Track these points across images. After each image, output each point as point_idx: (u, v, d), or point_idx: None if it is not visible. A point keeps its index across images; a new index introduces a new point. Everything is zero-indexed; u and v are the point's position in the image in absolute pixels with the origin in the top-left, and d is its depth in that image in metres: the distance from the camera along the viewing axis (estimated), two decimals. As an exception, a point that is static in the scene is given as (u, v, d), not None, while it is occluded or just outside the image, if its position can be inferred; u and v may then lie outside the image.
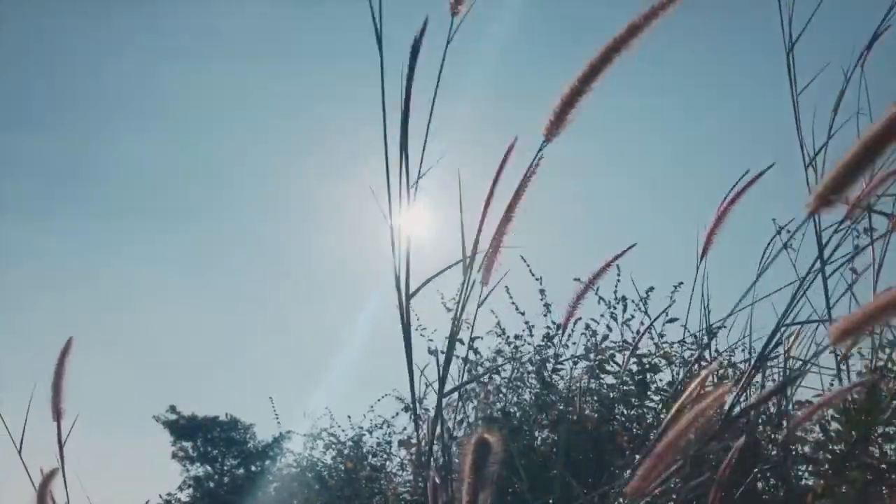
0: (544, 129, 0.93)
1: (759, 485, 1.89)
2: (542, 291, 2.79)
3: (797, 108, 1.73)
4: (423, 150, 1.03)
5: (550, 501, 2.07)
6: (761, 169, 1.73)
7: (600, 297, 2.62)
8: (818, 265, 1.66)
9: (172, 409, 17.15)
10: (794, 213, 2.07)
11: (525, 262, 2.77)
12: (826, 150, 1.68)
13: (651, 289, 2.53)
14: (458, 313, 1.06)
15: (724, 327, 2.31)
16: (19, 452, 1.38)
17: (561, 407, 2.37)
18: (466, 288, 1.05)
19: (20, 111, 19.98)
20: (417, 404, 3.17)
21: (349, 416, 4.39)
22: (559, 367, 2.58)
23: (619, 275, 2.63)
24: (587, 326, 2.68)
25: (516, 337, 2.87)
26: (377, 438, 4.08)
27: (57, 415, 1.37)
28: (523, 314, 2.83)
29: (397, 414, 3.71)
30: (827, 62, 1.78)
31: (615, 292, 2.64)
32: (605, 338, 2.60)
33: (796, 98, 1.72)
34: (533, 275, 2.80)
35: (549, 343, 2.77)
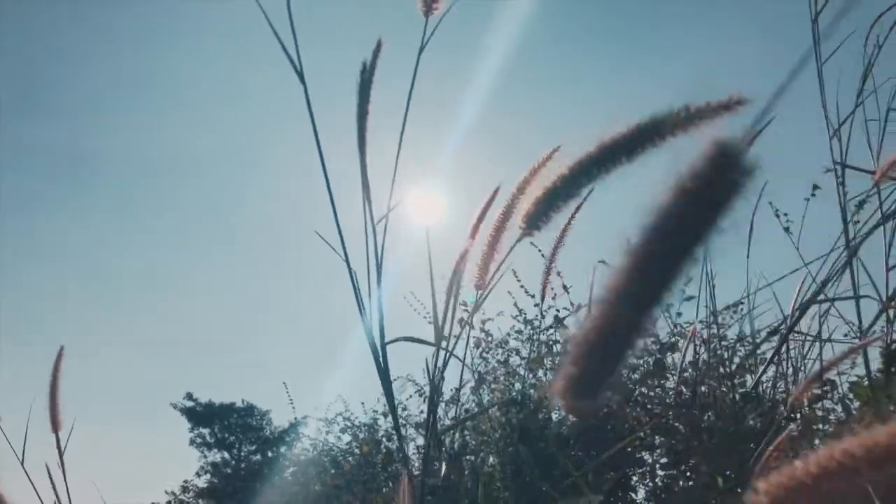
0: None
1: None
2: (558, 273, 2.76)
3: (822, 79, 1.68)
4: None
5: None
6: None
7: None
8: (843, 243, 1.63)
9: (189, 396, 17.32)
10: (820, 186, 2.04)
11: (534, 245, 2.73)
12: (852, 120, 1.63)
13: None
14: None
15: (742, 303, 2.29)
16: (22, 464, 1.37)
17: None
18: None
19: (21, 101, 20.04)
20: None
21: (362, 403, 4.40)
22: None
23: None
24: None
25: (527, 321, 2.84)
26: (392, 422, 4.08)
27: (55, 427, 1.34)
28: (533, 296, 2.79)
29: (410, 397, 3.68)
30: (853, 29, 1.72)
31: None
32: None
33: (821, 67, 1.67)
34: (542, 254, 2.75)
35: (561, 325, 2.74)
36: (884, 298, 1.60)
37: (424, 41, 0.95)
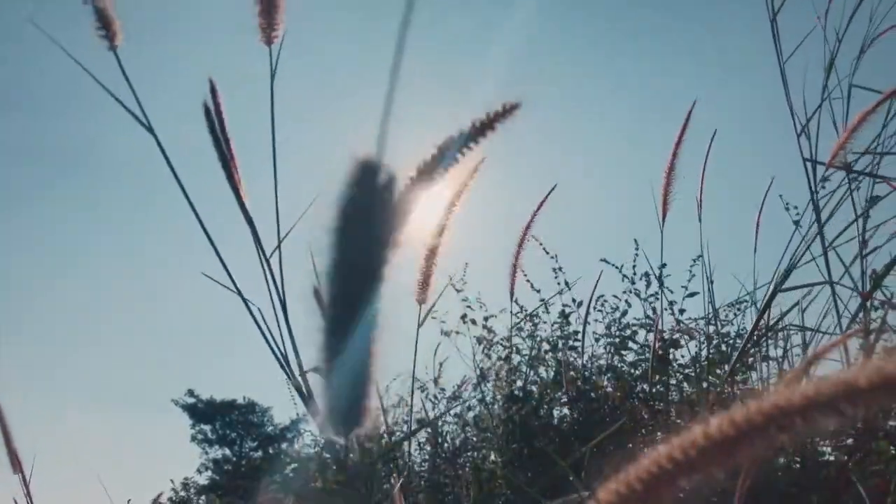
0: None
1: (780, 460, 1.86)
2: (559, 269, 2.75)
3: (785, 77, 1.70)
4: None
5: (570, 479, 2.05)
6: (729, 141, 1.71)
7: (625, 275, 2.58)
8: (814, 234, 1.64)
9: (191, 392, 17.33)
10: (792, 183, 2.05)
11: (539, 241, 2.73)
12: (819, 114, 1.65)
13: (699, 257, 2.44)
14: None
15: (745, 301, 2.29)
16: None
17: (580, 384, 2.35)
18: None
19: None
20: (433, 384, 3.16)
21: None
22: (576, 342, 2.55)
23: (636, 250, 2.58)
24: (603, 304, 2.64)
25: (532, 315, 2.83)
26: (394, 418, 4.06)
27: (16, 467, 1.35)
28: (539, 291, 2.79)
29: (412, 393, 3.67)
30: (812, 27, 1.76)
31: (633, 268, 2.59)
32: (625, 313, 2.56)
33: (783, 66, 1.68)
34: (547, 252, 2.75)
35: (566, 321, 2.73)
36: (860, 287, 1.60)
37: (273, 68, 0.96)
